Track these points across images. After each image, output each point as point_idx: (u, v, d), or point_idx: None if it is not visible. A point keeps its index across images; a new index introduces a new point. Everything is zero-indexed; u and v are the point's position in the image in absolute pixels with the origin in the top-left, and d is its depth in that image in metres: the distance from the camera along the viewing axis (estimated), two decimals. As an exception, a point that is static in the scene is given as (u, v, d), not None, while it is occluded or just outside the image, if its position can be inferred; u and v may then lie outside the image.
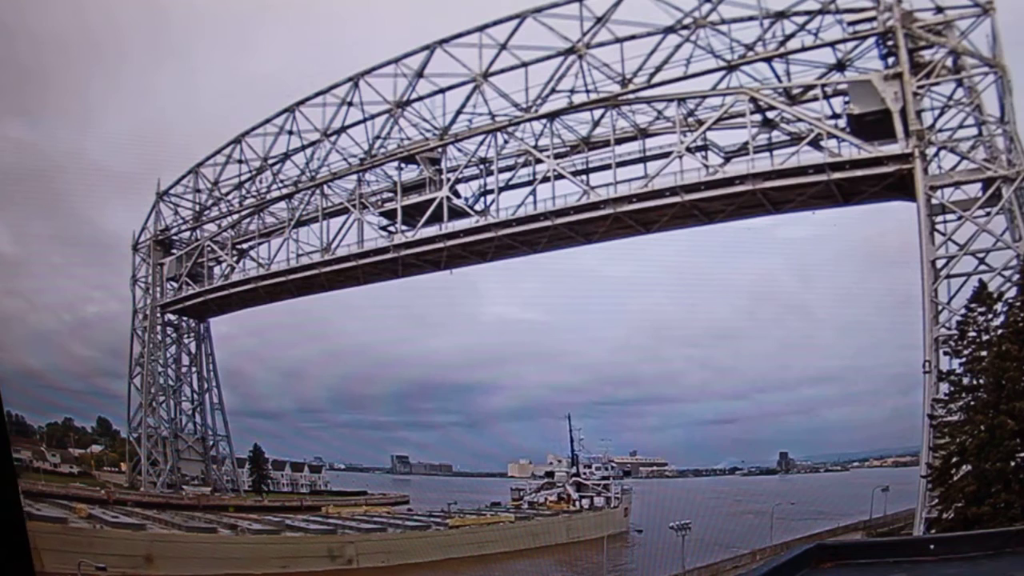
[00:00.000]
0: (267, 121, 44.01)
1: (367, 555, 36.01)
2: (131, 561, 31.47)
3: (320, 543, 36.43)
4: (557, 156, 38.35)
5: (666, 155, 36.36)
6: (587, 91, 37.29)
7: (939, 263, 30.69)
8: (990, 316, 27.45)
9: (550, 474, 49.32)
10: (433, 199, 39.92)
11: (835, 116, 33.96)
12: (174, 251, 48.12)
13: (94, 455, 51.22)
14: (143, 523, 36.28)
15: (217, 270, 47.43)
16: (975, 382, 27.24)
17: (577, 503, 46.80)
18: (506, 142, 39.51)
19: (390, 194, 42.19)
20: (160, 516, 39.42)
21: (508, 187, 40.06)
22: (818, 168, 32.67)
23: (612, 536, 37.84)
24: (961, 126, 31.53)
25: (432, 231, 40.09)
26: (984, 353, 26.93)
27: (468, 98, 38.97)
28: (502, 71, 37.99)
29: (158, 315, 47.97)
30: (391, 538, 38.25)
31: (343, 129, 42.32)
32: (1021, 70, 30.12)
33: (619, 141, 38.19)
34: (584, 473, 47.69)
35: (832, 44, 33.88)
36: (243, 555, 33.76)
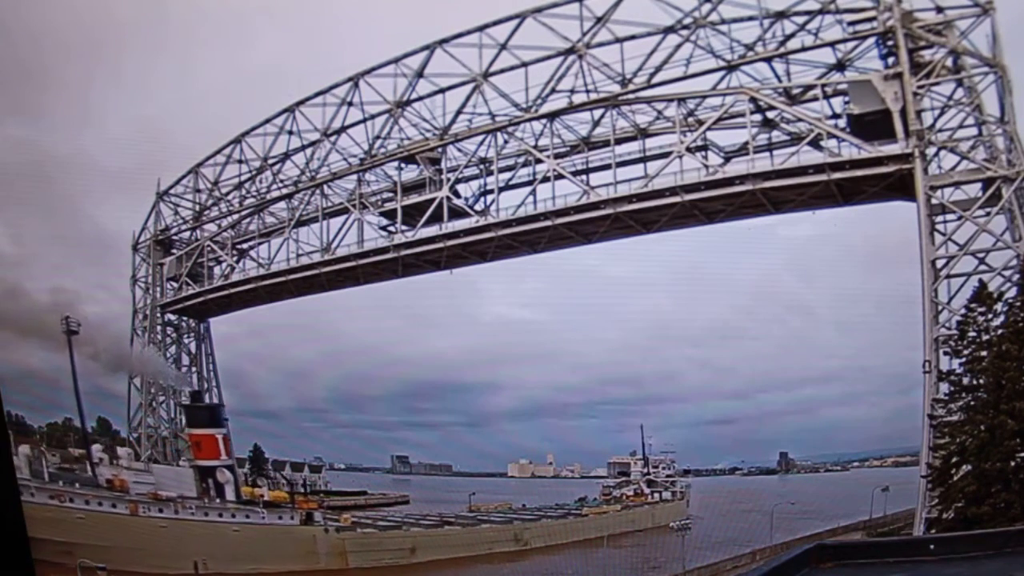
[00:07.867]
0: (267, 121, 43.93)
1: (536, 538, 46.63)
2: (401, 553, 41.63)
3: (507, 531, 47.17)
4: (557, 156, 38.32)
5: (666, 155, 36.29)
6: (587, 91, 37.22)
7: (939, 263, 30.63)
8: (990, 316, 27.41)
9: (625, 473, 56.81)
10: (433, 199, 39.86)
11: (835, 116, 33.90)
12: (174, 251, 48.05)
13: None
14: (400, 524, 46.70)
15: (217, 270, 47.38)
16: (975, 382, 27.21)
17: (650, 496, 54.52)
18: (506, 142, 39.47)
19: (390, 194, 42.14)
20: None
21: (508, 187, 40.02)
22: (818, 168, 32.61)
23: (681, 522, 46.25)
24: (961, 126, 31.41)
25: (432, 231, 40.02)
26: (984, 353, 26.90)
27: (468, 98, 38.92)
28: (502, 71, 37.91)
29: (158, 315, 47.96)
30: (547, 525, 48.84)
31: (343, 129, 42.23)
32: (1021, 70, 30.12)
33: (619, 141, 38.13)
34: (652, 472, 55.30)
35: (832, 44, 33.80)
36: (461, 542, 43.88)
